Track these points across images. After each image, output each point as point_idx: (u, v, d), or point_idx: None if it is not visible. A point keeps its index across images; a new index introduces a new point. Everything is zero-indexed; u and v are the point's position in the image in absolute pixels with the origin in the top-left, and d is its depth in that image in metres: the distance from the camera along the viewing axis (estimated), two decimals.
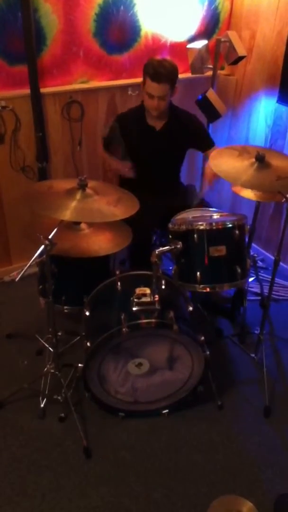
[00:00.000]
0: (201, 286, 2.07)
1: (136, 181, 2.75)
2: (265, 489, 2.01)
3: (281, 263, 2.30)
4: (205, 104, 2.98)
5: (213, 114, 3.02)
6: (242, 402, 2.41)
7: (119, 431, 2.24)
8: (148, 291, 2.06)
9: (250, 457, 2.14)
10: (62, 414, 2.25)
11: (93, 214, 1.98)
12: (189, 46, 3.08)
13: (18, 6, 2.49)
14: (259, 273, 3.19)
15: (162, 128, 2.70)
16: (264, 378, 2.43)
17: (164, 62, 2.50)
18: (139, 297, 2.05)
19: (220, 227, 2.06)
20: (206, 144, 2.84)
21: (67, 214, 1.88)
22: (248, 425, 2.29)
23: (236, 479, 2.05)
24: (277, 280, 3.08)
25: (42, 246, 1.85)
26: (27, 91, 2.71)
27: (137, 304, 2.04)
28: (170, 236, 2.14)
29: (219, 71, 3.21)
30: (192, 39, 3.15)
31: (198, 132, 2.81)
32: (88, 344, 2.07)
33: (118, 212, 2.00)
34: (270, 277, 2.40)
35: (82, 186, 1.98)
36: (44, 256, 1.90)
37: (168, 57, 2.78)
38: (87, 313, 2.26)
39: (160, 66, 2.45)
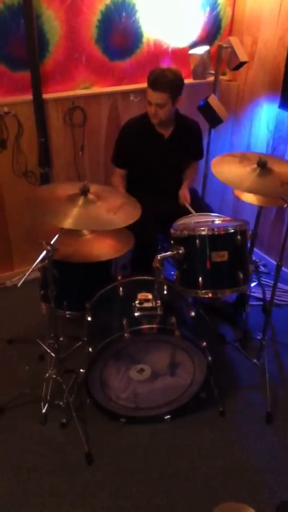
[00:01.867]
0: (203, 291, 2.06)
1: (141, 187, 2.76)
2: (267, 495, 2.00)
3: (283, 268, 2.30)
4: (207, 110, 2.99)
5: (215, 120, 3.03)
6: (244, 408, 2.40)
7: (120, 436, 2.23)
8: (150, 296, 2.06)
9: (252, 463, 2.13)
10: (64, 420, 2.24)
11: (91, 222, 1.98)
12: (191, 52, 3.09)
13: (20, 12, 2.50)
14: (261, 278, 3.18)
15: (170, 135, 2.73)
16: (267, 384, 2.42)
17: (167, 71, 2.50)
18: (141, 302, 2.05)
19: (222, 232, 2.05)
20: (198, 154, 2.97)
21: (68, 222, 1.87)
22: (250, 431, 2.28)
23: (238, 485, 2.04)
24: (279, 285, 3.06)
25: (44, 252, 1.86)
26: (29, 97, 2.73)
27: (139, 309, 2.03)
28: (172, 242, 2.14)
29: (221, 77, 3.21)
30: (194, 45, 3.16)
31: (198, 140, 2.89)
32: (90, 349, 2.07)
33: (117, 220, 1.98)
34: (272, 282, 2.40)
35: (84, 192, 1.98)
36: (46, 261, 1.91)
37: (174, 66, 2.80)
38: (89, 318, 2.26)
39: (161, 75, 2.47)
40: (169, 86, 2.48)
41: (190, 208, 2.62)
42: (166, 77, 2.47)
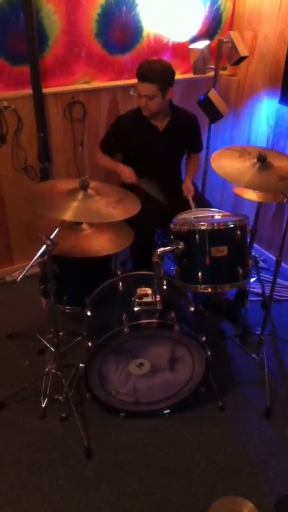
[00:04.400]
0: (203, 286, 2.06)
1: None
2: (266, 490, 2.00)
3: (282, 264, 2.30)
4: (207, 105, 2.98)
5: (215, 115, 3.02)
6: (243, 403, 2.41)
7: (120, 431, 2.24)
8: (149, 291, 2.06)
9: (251, 458, 2.14)
10: (63, 414, 2.25)
11: (90, 215, 1.98)
12: (191, 46, 3.07)
13: (20, 6, 2.49)
14: (261, 274, 3.18)
15: (165, 128, 2.71)
16: (266, 379, 2.42)
17: (155, 63, 2.50)
18: (140, 297, 2.05)
19: (221, 227, 2.05)
20: (197, 146, 2.96)
21: (68, 214, 1.88)
22: (249, 426, 2.29)
23: (237, 480, 2.04)
24: (278, 280, 3.07)
25: (44, 246, 1.85)
26: (29, 91, 2.72)
27: (139, 304, 2.04)
28: (172, 237, 2.14)
29: (221, 72, 3.20)
30: (194, 39, 3.15)
31: (196, 133, 2.88)
32: (90, 344, 2.08)
33: (117, 213, 1.99)
34: (272, 277, 2.40)
35: (84, 187, 1.98)
36: (46, 256, 1.90)
37: (165, 59, 2.79)
38: (89, 313, 2.26)
39: (149, 67, 2.47)
40: (157, 77, 2.47)
41: (191, 202, 2.62)
42: (154, 69, 2.46)
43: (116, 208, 1.99)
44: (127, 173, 2.70)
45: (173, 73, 2.56)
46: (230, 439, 2.22)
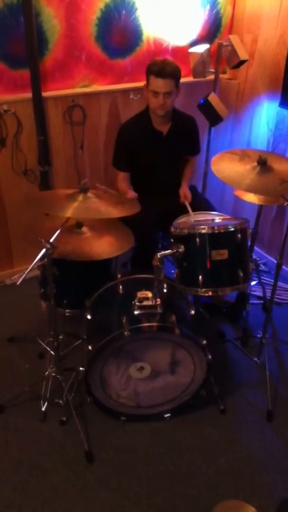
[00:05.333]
0: (203, 289, 2.06)
1: (141, 185, 2.76)
2: (268, 493, 1.99)
3: (283, 267, 2.30)
4: (207, 108, 2.99)
5: (215, 118, 3.03)
6: (244, 406, 2.40)
7: (120, 435, 2.23)
8: (150, 294, 2.06)
9: (253, 461, 2.13)
10: (63, 418, 2.24)
11: (90, 212, 1.99)
12: (191, 50, 3.08)
13: (20, 10, 2.50)
14: (262, 277, 3.19)
15: (168, 132, 2.72)
16: (267, 382, 2.42)
17: (168, 60, 2.52)
18: (140, 300, 2.05)
19: (222, 230, 2.05)
20: (195, 149, 2.95)
21: (68, 212, 1.89)
22: (250, 429, 2.28)
23: (238, 483, 2.04)
24: (279, 283, 3.07)
25: (44, 250, 1.85)
26: (29, 95, 2.72)
27: (139, 307, 2.03)
28: (172, 240, 2.14)
29: (221, 75, 3.21)
30: (194, 43, 3.16)
31: (195, 136, 2.88)
32: (90, 347, 2.07)
33: (116, 212, 1.99)
34: (273, 280, 2.40)
35: (84, 190, 1.98)
36: (46, 260, 1.90)
37: (170, 57, 2.79)
38: (89, 317, 2.25)
39: (165, 63, 2.47)
40: (174, 73, 2.48)
41: (189, 208, 2.61)
42: (170, 65, 2.47)
43: (116, 208, 1.99)
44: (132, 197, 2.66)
45: (181, 71, 2.57)
46: (231, 442, 2.22)
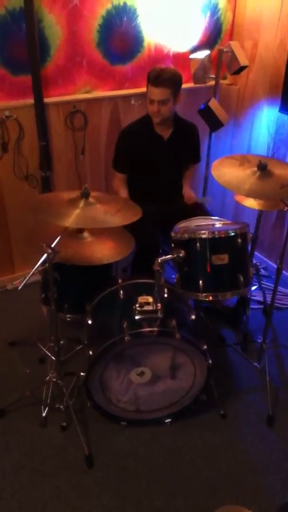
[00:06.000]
0: (204, 294, 2.07)
1: (142, 190, 2.77)
2: (268, 497, 1.99)
3: (283, 272, 2.30)
4: (207, 114, 3.00)
5: (215, 123, 3.04)
6: (245, 410, 2.40)
7: (121, 439, 2.23)
8: (150, 299, 2.06)
9: (253, 465, 2.13)
10: (64, 423, 2.24)
11: (88, 221, 1.99)
12: (192, 56, 3.10)
13: (22, 17, 2.52)
14: (262, 282, 3.19)
15: (169, 137, 2.73)
16: (267, 387, 2.42)
17: (167, 68, 2.55)
18: (141, 305, 2.05)
19: (222, 235, 2.06)
20: (196, 157, 2.98)
21: (67, 221, 1.88)
22: (251, 434, 2.28)
23: (238, 488, 2.04)
24: (279, 288, 3.07)
25: (45, 255, 1.86)
26: (30, 100, 2.74)
27: (140, 312, 2.04)
28: (173, 245, 2.15)
29: (221, 81, 3.22)
30: (195, 49, 3.17)
31: (196, 143, 2.91)
32: (91, 352, 2.07)
33: (114, 221, 1.98)
34: (273, 285, 2.40)
35: (85, 195, 1.99)
36: (47, 264, 1.91)
37: (172, 66, 2.80)
38: (90, 321, 2.26)
39: (162, 72, 2.49)
40: (170, 81, 2.50)
41: (200, 199, 2.64)
42: (167, 73, 2.49)
43: (114, 216, 2.00)
44: None
45: (182, 79, 2.58)
46: (232, 446, 2.21)
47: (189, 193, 2.85)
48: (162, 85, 2.48)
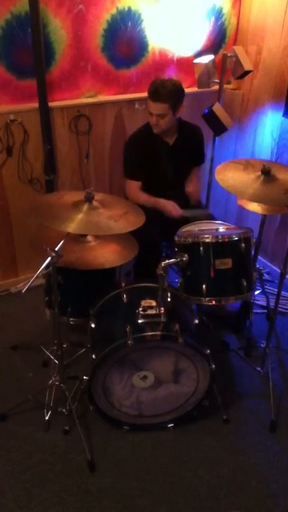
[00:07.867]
0: (207, 298, 2.06)
1: (147, 194, 2.77)
2: (271, 504, 1.98)
3: (287, 276, 2.29)
4: (211, 118, 3.01)
5: (219, 128, 3.05)
6: (248, 416, 2.39)
7: (123, 444, 2.22)
8: (153, 303, 2.06)
9: (256, 471, 2.12)
10: (67, 427, 2.24)
11: (90, 227, 1.97)
12: (196, 61, 3.11)
13: (27, 21, 2.53)
14: (265, 286, 3.19)
15: (174, 142, 2.74)
16: (270, 392, 2.41)
17: (167, 82, 2.52)
18: (144, 309, 2.05)
19: (226, 240, 2.06)
20: (200, 158, 2.97)
21: (68, 226, 1.87)
22: (254, 440, 2.27)
23: (241, 494, 2.02)
24: (283, 293, 3.07)
25: (49, 258, 1.86)
26: (35, 104, 2.75)
27: (143, 316, 2.04)
28: (176, 249, 2.15)
29: (225, 86, 3.23)
30: (199, 54, 3.18)
31: (201, 145, 2.91)
32: (94, 356, 2.07)
33: (117, 227, 1.97)
34: (276, 290, 2.40)
35: (89, 199, 1.99)
36: (51, 268, 1.91)
37: (174, 77, 2.80)
38: (93, 325, 2.26)
39: (160, 86, 2.48)
40: (168, 96, 2.49)
41: (189, 212, 2.65)
42: (165, 88, 2.48)
43: (118, 221, 1.99)
44: (172, 207, 2.66)
45: (183, 92, 2.57)
46: (234, 452, 2.20)
47: (175, 208, 2.68)
48: (159, 100, 2.49)
